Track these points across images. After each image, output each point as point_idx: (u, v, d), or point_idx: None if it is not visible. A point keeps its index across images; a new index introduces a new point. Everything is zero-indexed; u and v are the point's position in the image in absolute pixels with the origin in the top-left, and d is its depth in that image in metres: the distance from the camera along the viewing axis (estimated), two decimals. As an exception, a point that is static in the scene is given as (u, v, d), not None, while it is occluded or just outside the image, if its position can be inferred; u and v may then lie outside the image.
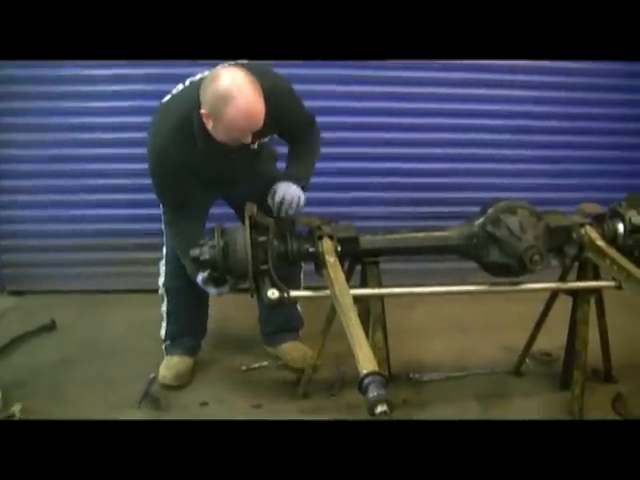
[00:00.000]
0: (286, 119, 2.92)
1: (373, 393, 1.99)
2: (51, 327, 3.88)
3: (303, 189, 3.00)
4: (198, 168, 2.86)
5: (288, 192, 2.94)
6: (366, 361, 2.12)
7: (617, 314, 3.33)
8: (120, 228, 4.36)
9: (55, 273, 4.42)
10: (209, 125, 2.70)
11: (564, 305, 3.21)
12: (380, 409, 1.96)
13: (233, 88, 2.58)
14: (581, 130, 4.47)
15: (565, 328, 3.25)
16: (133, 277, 4.38)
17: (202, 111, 2.67)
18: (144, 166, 2.93)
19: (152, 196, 3.03)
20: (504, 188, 4.31)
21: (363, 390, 2.04)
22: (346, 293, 2.54)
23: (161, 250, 3.37)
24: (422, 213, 4.42)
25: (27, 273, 4.43)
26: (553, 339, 3.45)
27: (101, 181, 4.27)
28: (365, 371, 2.07)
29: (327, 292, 2.77)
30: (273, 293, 2.76)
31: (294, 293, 2.84)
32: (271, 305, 2.79)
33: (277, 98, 2.77)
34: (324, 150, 3.24)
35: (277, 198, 2.93)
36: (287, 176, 3.01)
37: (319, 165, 3.19)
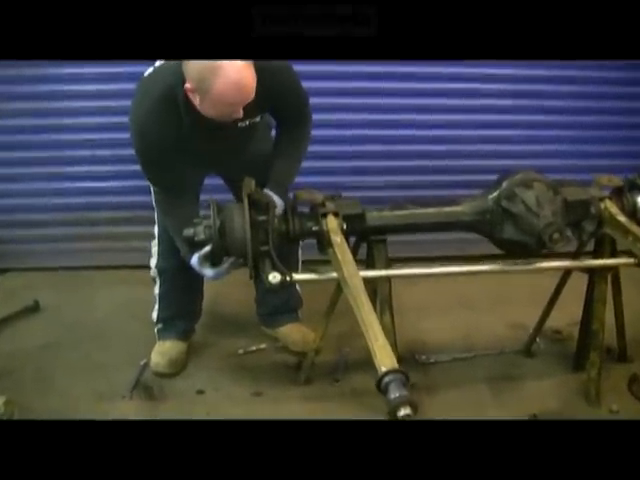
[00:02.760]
0: (280, 96, 2.70)
1: (395, 394, 1.82)
2: (34, 308, 3.69)
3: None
4: (185, 145, 2.66)
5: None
6: (384, 357, 1.96)
7: (630, 291, 3.16)
8: (105, 201, 4.17)
9: (38, 249, 4.23)
10: (195, 101, 2.49)
11: (572, 279, 3.09)
12: (403, 412, 1.79)
13: None
14: (594, 95, 4.30)
15: (573, 303, 3.12)
16: (120, 252, 4.21)
17: (187, 86, 2.45)
18: (126, 136, 2.73)
19: (135, 167, 2.83)
20: (510, 155, 4.22)
21: (382, 390, 1.88)
22: (356, 276, 2.37)
23: (151, 226, 3.19)
24: (425, 182, 4.28)
25: (8, 250, 4.22)
26: (562, 315, 3.31)
27: (85, 152, 4.06)
28: (384, 369, 1.90)
29: (332, 275, 2.62)
30: (275, 277, 2.59)
31: (297, 276, 2.67)
32: (272, 289, 2.61)
33: (273, 72, 2.57)
34: (323, 117, 3.05)
35: None
36: (272, 186, 2.80)
37: (316, 133, 3.02)
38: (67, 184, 4.12)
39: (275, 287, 2.60)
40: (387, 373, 1.88)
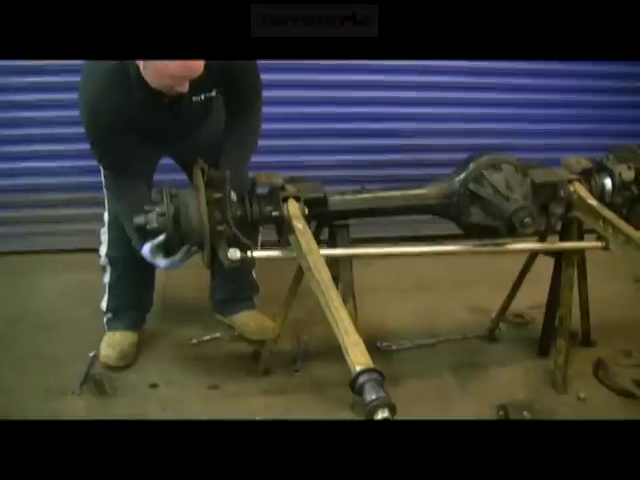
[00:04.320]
0: (235, 73, 2.54)
1: (371, 396, 1.72)
2: (-27, 298, 3.49)
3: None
4: (137, 121, 2.51)
5: None
6: (358, 355, 1.84)
7: (591, 273, 3.10)
8: (48, 182, 3.93)
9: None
10: (140, 65, 2.33)
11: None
12: (381, 415, 1.68)
13: None
14: (561, 72, 4.19)
15: (533, 284, 3.08)
16: (65, 235, 3.99)
17: None
18: (75, 114, 2.55)
19: (85, 146, 2.65)
20: (478, 134, 4.16)
21: (357, 390, 1.76)
22: (322, 267, 2.22)
23: (98, 208, 3.05)
24: (391, 160, 4.16)
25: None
26: (523, 297, 3.22)
27: (27, 131, 3.82)
28: (359, 368, 1.78)
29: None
30: (234, 252, 2.42)
31: (258, 253, 2.52)
32: (232, 267, 2.44)
33: None
34: (286, 94, 2.89)
35: None
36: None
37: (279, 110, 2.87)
38: (7, 164, 3.88)
39: (235, 265, 2.44)
40: (362, 372, 1.77)
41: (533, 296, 3.20)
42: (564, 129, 4.31)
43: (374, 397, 1.70)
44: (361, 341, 1.90)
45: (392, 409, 1.69)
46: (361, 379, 1.75)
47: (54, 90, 3.69)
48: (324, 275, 2.17)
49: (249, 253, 2.47)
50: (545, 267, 2.98)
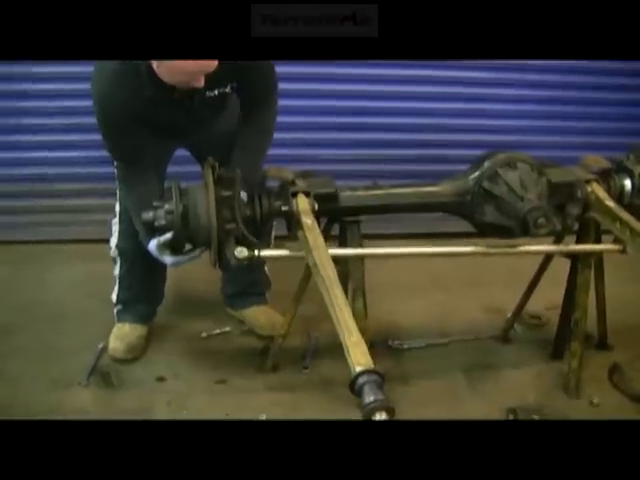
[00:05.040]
0: (248, 68, 2.51)
1: (369, 398, 1.67)
2: (-19, 287, 3.49)
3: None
4: (148, 117, 2.50)
5: None
6: (359, 355, 1.80)
7: (609, 275, 3.02)
8: (58, 172, 3.92)
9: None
10: (154, 64, 2.31)
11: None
12: (379, 417, 1.63)
13: None
14: (576, 69, 4.11)
15: (550, 285, 3.02)
16: (76, 225, 3.99)
17: None
18: (81, 104, 2.54)
19: (92, 137, 2.65)
20: (486, 130, 4.08)
21: (356, 392, 1.72)
22: (328, 264, 2.18)
23: (110, 198, 3.02)
24: (397, 155, 4.11)
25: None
26: (539, 298, 3.17)
27: (35, 121, 3.81)
28: (359, 368, 1.74)
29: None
30: (241, 251, 2.42)
31: (265, 252, 2.52)
32: (239, 265, 2.46)
33: None
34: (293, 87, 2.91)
35: None
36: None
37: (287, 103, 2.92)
38: (16, 154, 3.88)
39: (241, 263, 2.45)
40: (361, 373, 1.73)
41: (550, 297, 3.14)
42: (564, 127, 4.23)
43: (372, 399, 1.66)
44: (363, 341, 1.86)
45: (390, 412, 1.65)
46: (361, 380, 1.71)
47: (65, 80, 3.65)
48: (329, 272, 2.13)
49: (256, 252, 2.46)
50: (563, 267, 2.91)
